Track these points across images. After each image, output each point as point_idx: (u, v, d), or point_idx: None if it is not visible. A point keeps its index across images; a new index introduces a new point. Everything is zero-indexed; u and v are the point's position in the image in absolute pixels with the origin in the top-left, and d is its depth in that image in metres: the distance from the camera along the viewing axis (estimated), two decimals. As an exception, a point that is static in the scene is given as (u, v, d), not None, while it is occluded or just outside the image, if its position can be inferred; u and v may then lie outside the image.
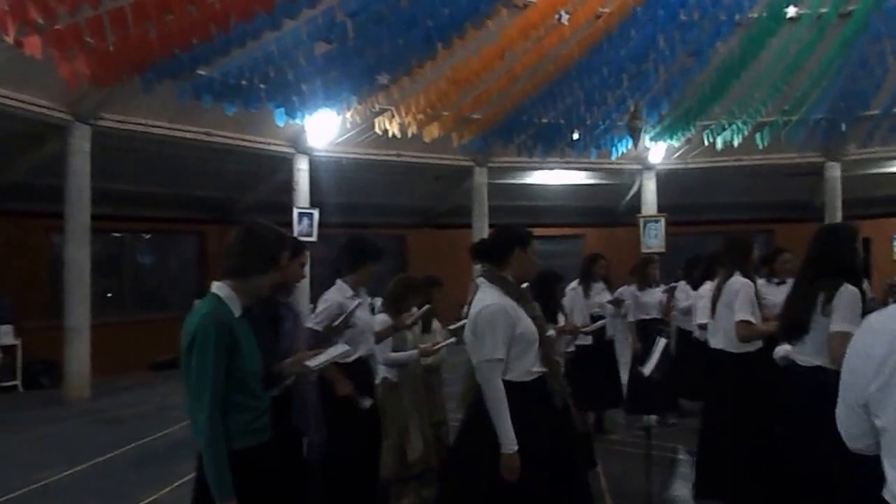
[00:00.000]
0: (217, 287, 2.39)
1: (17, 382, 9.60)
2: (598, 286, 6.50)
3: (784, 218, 14.42)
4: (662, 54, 10.01)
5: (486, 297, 2.93)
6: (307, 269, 3.88)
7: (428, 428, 4.60)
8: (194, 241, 13.04)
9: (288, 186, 11.53)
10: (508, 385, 2.83)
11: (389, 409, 4.43)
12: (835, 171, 12.76)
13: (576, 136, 10.92)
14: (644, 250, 13.46)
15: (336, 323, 3.69)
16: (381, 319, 4.44)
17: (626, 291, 7.06)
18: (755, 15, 10.04)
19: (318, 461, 3.57)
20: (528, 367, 2.90)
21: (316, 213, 11.67)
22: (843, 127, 11.52)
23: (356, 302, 3.80)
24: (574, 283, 6.38)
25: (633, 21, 9.37)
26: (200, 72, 7.66)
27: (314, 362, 2.84)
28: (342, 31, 7.36)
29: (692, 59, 10.40)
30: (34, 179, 9.35)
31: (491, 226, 13.27)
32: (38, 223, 10.02)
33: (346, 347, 3.08)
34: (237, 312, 2.37)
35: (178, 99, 7.99)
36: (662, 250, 13.52)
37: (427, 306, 4.54)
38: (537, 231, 13.23)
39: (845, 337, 2.67)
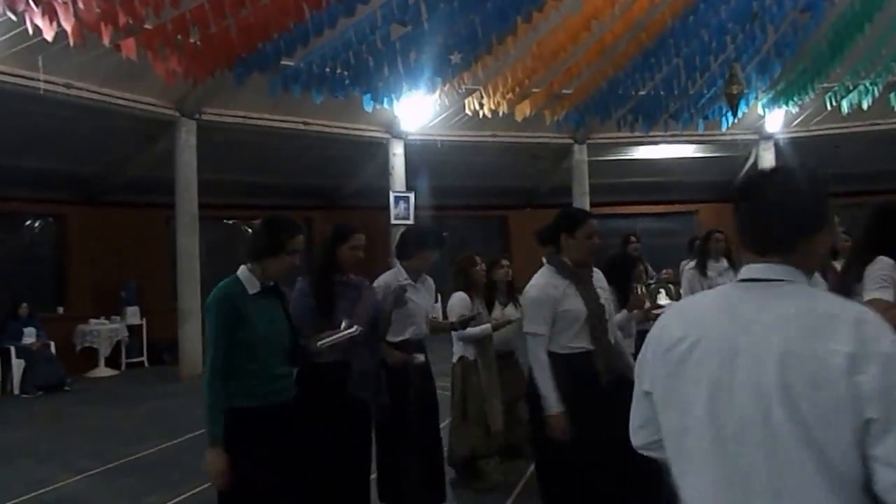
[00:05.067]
0: (240, 268, 2.77)
1: (144, 359, 10.63)
2: (720, 265, 6.09)
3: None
4: (770, 11, 9.18)
5: (536, 278, 3.21)
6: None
7: (503, 406, 4.67)
8: (303, 226, 13.67)
9: (386, 171, 11.81)
10: (552, 356, 3.11)
11: (467, 387, 4.58)
12: None
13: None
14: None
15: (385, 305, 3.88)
16: (460, 297, 4.68)
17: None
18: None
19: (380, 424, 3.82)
20: (568, 342, 3.12)
21: (412, 196, 11.87)
22: None
23: (397, 285, 3.97)
24: (691, 263, 6.08)
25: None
26: (286, 63, 7.99)
27: (322, 341, 3.07)
28: (416, 13, 7.39)
29: (805, 14, 9.46)
30: (152, 173, 10.20)
31: (593, 204, 12.93)
32: (157, 214, 10.94)
33: (355, 327, 3.19)
34: (253, 290, 2.71)
35: (271, 94, 8.40)
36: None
37: (479, 312, 4.63)
38: (646, 209, 12.75)
39: None
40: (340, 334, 3.13)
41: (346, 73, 8.36)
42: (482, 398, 4.55)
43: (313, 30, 7.36)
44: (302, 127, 10.48)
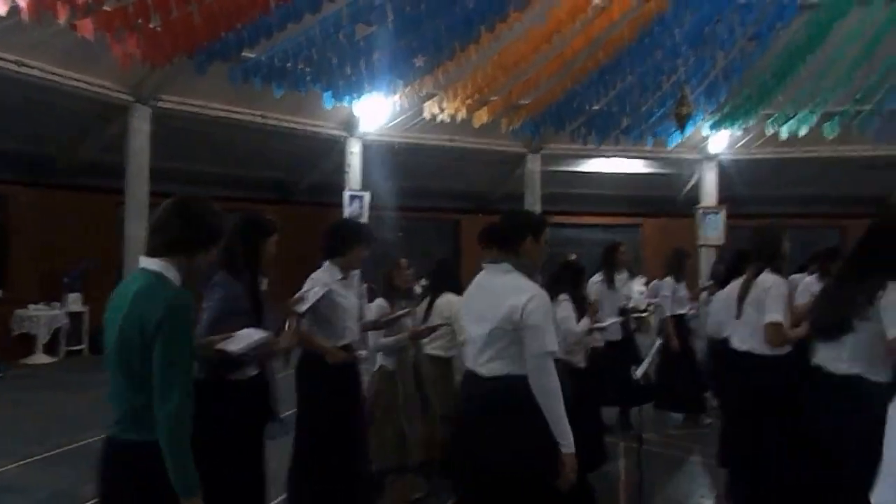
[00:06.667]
0: (156, 264, 2.19)
1: (84, 347, 10.34)
2: (622, 276, 6.32)
3: (857, 214, 13.64)
4: (720, 38, 9.62)
5: (529, 285, 2.79)
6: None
7: (432, 420, 4.46)
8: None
9: (343, 169, 11.82)
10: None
11: (385, 398, 4.32)
12: (913, 164, 11.99)
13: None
14: (701, 243, 13.13)
15: (301, 306, 3.48)
16: (378, 305, 4.39)
17: (665, 285, 6.86)
18: (821, -3, 9.52)
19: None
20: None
21: (367, 195, 11.90)
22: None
23: (325, 289, 3.62)
24: (597, 276, 6.15)
25: (687, 2, 9.05)
26: (248, 54, 7.96)
27: (235, 347, 2.60)
28: (382, 14, 7.48)
29: (753, 43, 9.95)
30: (104, 157, 9.97)
31: (548, 212, 13.24)
32: (107, 199, 10.64)
33: (265, 333, 2.74)
34: None
35: (231, 82, 8.34)
36: (721, 243, 13.14)
37: (406, 310, 4.37)
38: (593, 220, 13.02)
39: None
40: (253, 338, 2.65)
41: (308, 68, 8.36)
42: (399, 412, 4.29)
43: (277, 23, 7.36)
44: (260, 120, 10.42)
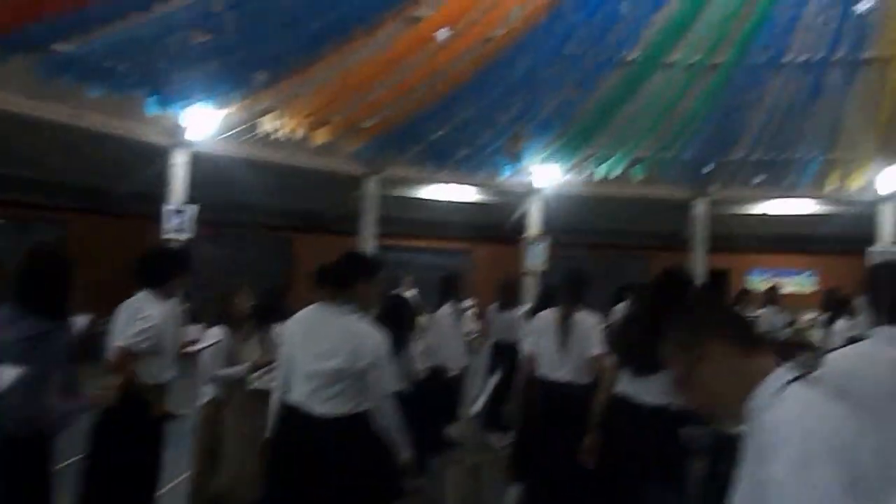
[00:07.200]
0: None
1: None
2: (462, 307, 6.44)
3: (658, 247, 15.28)
4: (550, 83, 10.32)
5: (372, 328, 3.03)
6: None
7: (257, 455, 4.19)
8: (56, 230, 12.14)
9: (165, 179, 10.95)
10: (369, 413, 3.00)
11: (212, 431, 4.11)
12: (701, 207, 13.67)
13: None
14: (525, 270, 13.88)
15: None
16: (214, 334, 4.20)
17: (517, 314, 7.04)
18: (634, 57, 10.56)
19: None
20: None
21: (192, 209, 11.11)
22: (708, 168, 12.36)
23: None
24: (446, 308, 6.09)
25: (521, 48, 9.60)
26: (58, 48, 7.12)
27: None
28: (219, 23, 7.08)
29: (578, 90, 10.79)
30: None
31: (383, 235, 13.29)
32: None
33: (19, 370, 2.45)
34: None
35: (38, 77, 7.38)
36: (542, 270, 13.99)
37: (217, 340, 4.19)
38: (427, 243, 13.23)
39: None
40: (12, 377, 2.42)
41: (131, 69, 7.67)
42: (225, 445, 4.12)
43: (97, 18, 6.69)
44: (66, 120, 9.31)
